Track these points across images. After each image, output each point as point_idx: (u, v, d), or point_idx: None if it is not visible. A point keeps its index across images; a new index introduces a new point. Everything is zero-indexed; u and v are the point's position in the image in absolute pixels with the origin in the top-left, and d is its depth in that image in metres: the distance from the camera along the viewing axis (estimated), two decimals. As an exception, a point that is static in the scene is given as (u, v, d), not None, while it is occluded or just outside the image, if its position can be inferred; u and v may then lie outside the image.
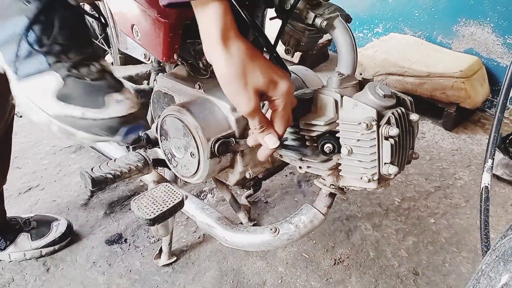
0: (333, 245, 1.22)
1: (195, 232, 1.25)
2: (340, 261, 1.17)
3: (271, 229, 0.73)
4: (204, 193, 1.41)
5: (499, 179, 1.49)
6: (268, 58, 0.72)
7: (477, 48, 1.91)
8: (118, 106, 0.63)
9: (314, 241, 1.23)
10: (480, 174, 1.52)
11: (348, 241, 1.24)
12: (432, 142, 1.74)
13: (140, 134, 0.78)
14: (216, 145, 0.72)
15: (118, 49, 1.22)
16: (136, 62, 1.25)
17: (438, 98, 1.77)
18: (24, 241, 1.14)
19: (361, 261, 1.17)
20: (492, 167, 0.62)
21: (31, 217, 1.20)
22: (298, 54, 2.16)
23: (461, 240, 1.25)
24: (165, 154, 0.84)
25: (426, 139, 1.76)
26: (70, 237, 1.21)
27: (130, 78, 1.23)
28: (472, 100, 1.73)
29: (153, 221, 0.71)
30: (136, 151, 0.88)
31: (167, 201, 0.74)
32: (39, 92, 0.63)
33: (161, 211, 0.72)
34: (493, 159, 0.63)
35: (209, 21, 0.54)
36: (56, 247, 1.17)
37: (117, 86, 0.65)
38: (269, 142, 0.61)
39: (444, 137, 1.78)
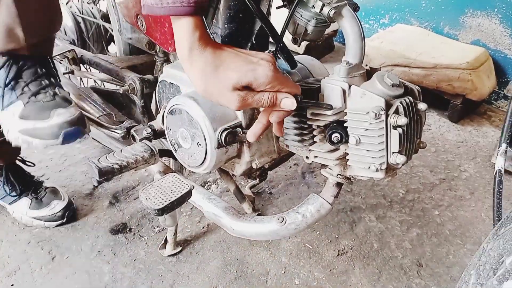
0: (337, 236, 1.22)
1: (199, 222, 1.25)
2: (344, 252, 1.17)
3: (278, 219, 0.73)
4: (208, 183, 1.41)
5: (505, 172, 1.48)
6: (273, 49, 0.72)
7: (484, 39, 1.88)
8: (58, 117, 0.87)
9: (317, 232, 1.23)
10: (485, 167, 1.52)
11: (352, 232, 1.24)
12: (438, 134, 1.73)
13: (79, 138, 0.94)
14: (223, 135, 0.72)
15: (122, 39, 1.22)
16: (139, 52, 1.24)
17: (444, 89, 1.76)
18: (23, 206, 1.21)
19: (364, 252, 1.17)
20: (506, 151, 0.63)
21: (45, 186, 1.26)
22: (303, 45, 2.14)
23: (465, 232, 1.24)
24: (171, 144, 0.84)
25: (432, 131, 1.75)
26: (63, 220, 1.22)
27: (133, 68, 1.22)
28: (479, 92, 1.71)
29: (162, 211, 0.72)
30: (142, 141, 0.88)
31: (175, 191, 0.74)
32: (10, 116, 0.89)
33: (170, 201, 0.72)
34: (508, 143, 0.63)
35: (180, 35, 0.59)
36: (46, 224, 1.20)
37: (63, 104, 0.89)
38: (286, 106, 0.61)
39: (450, 129, 1.77)
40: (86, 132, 0.93)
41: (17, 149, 1.22)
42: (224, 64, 0.59)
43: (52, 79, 0.94)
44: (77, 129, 0.89)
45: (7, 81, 0.89)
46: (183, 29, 0.57)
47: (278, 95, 0.60)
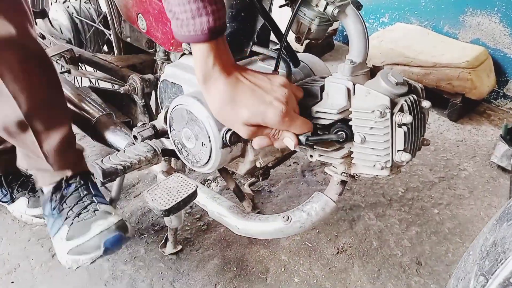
0: (336, 234, 1.22)
1: (199, 220, 1.25)
2: (343, 250, 1.17)
3: (283, 217, 0.73)
4: (208, 181, 1.41)
5: (504, 170, 1.49)
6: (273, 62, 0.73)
7: (484, 38, 1.89)
8: (96, 228, 0.89)
9: (317, 230, 1.23)
10: (484, 166, 1.53)
11: (351, 230, 1.24)
12: (437, 132, 1.74)
13: (122, 244, 0.94)
14: (228, 135, 0.71)
15: (120, 39, 1.21)
16: (138, 51, 1.23)
17: (444, 88, 1.76)
18: (21, 205, 1.21)
19: (364, 250, 1.17)
20: None
21: None
22: (304, 43, 2.14)
23: (464, 230, 1.25)
24: (174, 144, 0.84)
25: (431, 129, 1.76)
26: None
27: (133, 67, 1.21)
28: (478, 91, 1.72)
29: (168, 212, 0.71)
30: (144, 141, 0.88)
31: (181, 192, 0.74)
32: (59, 241, 0.94)
33: (176, 202, 0.72)
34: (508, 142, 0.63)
35: (196, 60, 0.61)
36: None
37: (103, 216, 0.92)
38: (287, 144, 0.65)
39: (449, 128, 1.77)
40: (129, 237, 0.95)
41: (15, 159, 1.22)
42: (238, 98, 0.62)
43: (93, 197, 0.99)
44: (117, 236, 0.90)
45: (52, 209, 0.97)
46: (197, 56, 0.60)
47: (283, 133, 0.64)
